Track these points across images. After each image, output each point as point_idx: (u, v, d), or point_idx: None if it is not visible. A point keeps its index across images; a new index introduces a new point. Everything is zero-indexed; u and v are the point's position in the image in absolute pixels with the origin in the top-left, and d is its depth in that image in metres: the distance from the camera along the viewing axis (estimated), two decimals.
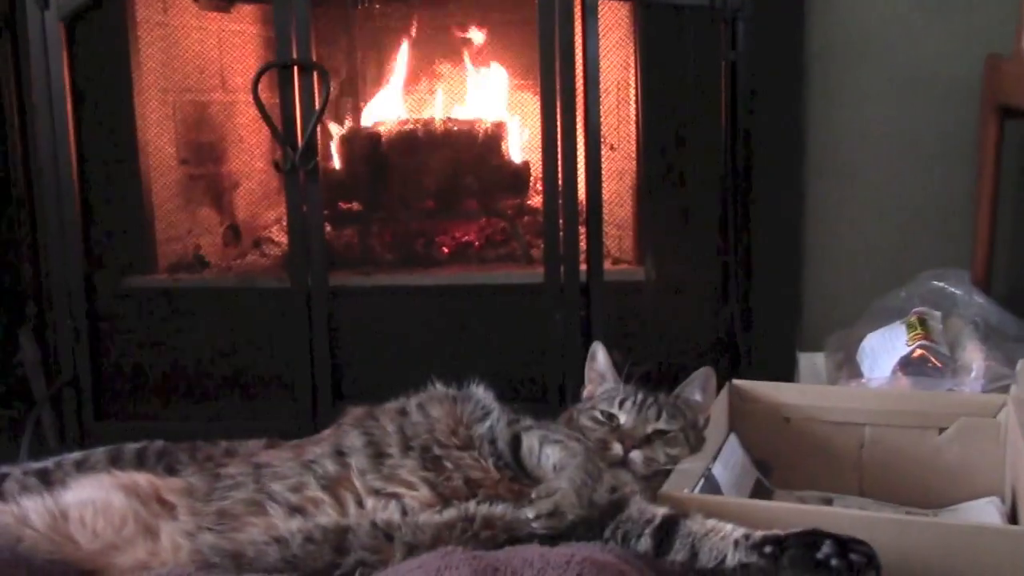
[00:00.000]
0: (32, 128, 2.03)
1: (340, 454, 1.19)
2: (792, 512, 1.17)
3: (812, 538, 1.01)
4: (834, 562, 0.99)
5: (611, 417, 1.32)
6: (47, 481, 1.25)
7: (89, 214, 2.03)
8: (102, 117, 2.07)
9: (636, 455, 1.26)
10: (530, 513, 1.07)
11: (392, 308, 2.08)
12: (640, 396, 1.34)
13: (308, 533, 1.08)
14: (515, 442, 1.21)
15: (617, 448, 1.26)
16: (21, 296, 2.15)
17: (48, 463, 1.32)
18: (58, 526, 1.13)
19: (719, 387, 1.50)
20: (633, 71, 2.12)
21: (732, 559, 1.03)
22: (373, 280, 2.11)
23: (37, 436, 1.97)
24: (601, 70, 1.96)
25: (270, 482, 1.17)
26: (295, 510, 1.13)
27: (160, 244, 2.20)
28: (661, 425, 1.30)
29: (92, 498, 1.16)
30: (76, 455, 1.34)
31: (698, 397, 1.40)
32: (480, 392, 1.30)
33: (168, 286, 2.13)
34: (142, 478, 1.22)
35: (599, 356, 1.43)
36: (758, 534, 1.04)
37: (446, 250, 2.22)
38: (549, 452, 1.19)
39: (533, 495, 1.10)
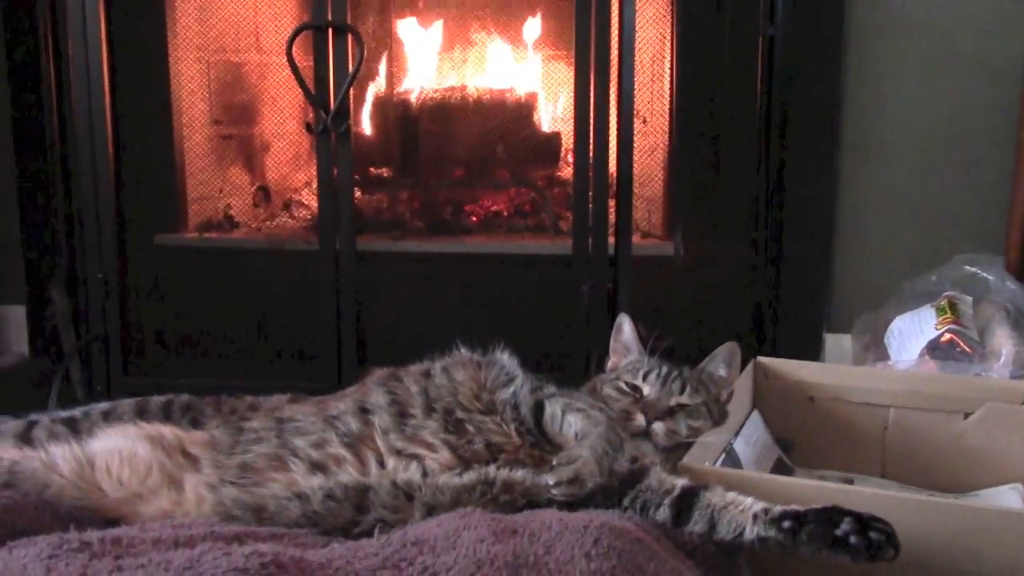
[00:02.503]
0: (68, 84, 2.04)
1: (363, 412, 1.20)
2: (812, 489, 1.16)
3: (832, 515, 1.01)
4: (853, 539, 0.98)
5: (635, 388, 1.31)
6: (75, 429, 1.26)
7: (122, 171, 2.04)
8: (137, 74, 2.08)
9: (658, 427, 1.25)
10: (550, 480, 1.07)
11: (419, 274, 2.08)
12: (664, 369, 1.33)
13: (329, 490, 1.09)
14: (538, 409, 1.21)
15: (640, 419, 1.26)
16: (53, 250, 2.17)
17: (76, 412, 1.33)
18: (84, 473, 1.15)
19: (744, 364, 1.49)
20: (669, 45, 2.10)
21: (750, 533, 1.03)
22: (401, 246, 2.12)
23: (65, 389, 1.99)
24: (637, 43, 1.94)
25: (293, 437, 1.18)
26: (317, 467, 1.14)
27: (191, 203, 2.21)
28: (684, 398, 1.30)
29: (118, 447, 1.17)
30: (104, 405, 1.35)
31: (722, 372, 1.39)
32: (505, 358, 1.30)
33: (197, 245, 2.15)
34: (167, 430, 1.24)
35: (625, 328, 1.42)
36: (777, 509, 1.03)
37: (475, 219, 2.22)
38: (572, 420, 1.19)
39: (554, 462, 1.10)
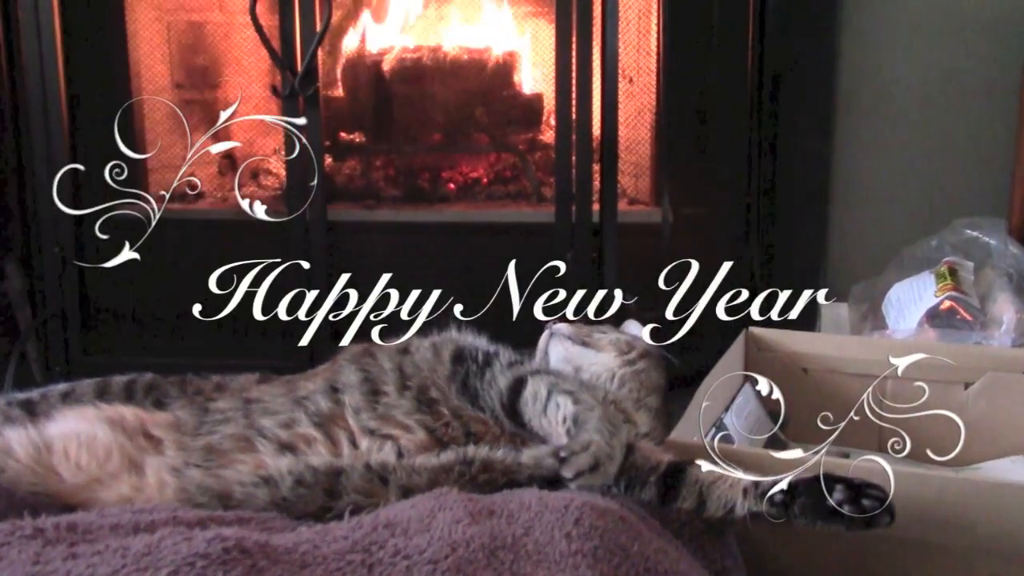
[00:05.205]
0: (18, 48, 1.97)
1: (334, 390, 1.16)
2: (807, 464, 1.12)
3: (824, 484, 0.98)
4: (847, 509, 0.96)
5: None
6: (32, 412, 1.23)
7: (76, 139, 1.98)
8: (92, 36, 2.01)
9: (560, 325, 1.39)
10: (568, 473, 0.98)
11: (395, 245, 2.05)
12: None
13: (299, 475, 1.05)
14: (515, 388, 1.15)
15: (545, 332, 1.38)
16: (6, 223, 2.09)
17: (33, 394, 1.30)
18: (41, 458, 1.13)
19: (735, 334, 1.49)
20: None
21: (742, 508, 1.00)
22: (375, 215, 2.08)
23: (22, 369, 1.95)
24: None
25: (260, 417, 1.14)
26: (285, 447, 1.10)
27: (152, 172, 2.14)
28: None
29: (77, 431, 1.15)
30: (62, 387, 1.32)
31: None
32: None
33: (159, 216, 2.08)
34: (129, 412, 1.21)
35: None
36: (768, 481, 1.00)
37: (452, 186, 2.18)
38: (560, 401, 1.13)
39: (562, 454, 1.01)
